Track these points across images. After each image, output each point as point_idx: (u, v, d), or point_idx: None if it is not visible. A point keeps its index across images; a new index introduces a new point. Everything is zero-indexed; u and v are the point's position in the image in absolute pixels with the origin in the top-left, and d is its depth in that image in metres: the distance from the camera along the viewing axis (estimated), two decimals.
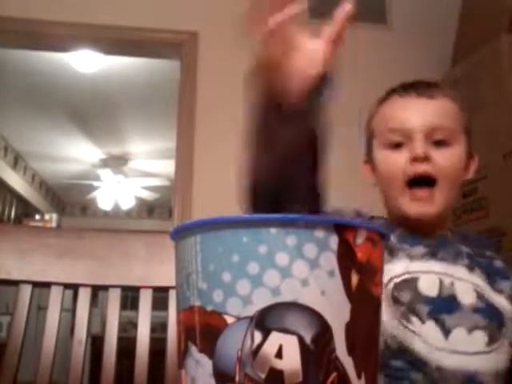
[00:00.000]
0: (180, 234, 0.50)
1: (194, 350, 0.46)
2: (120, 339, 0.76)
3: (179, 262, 0.50)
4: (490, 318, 0.75)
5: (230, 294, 0.44)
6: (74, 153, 4.89)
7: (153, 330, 0.78)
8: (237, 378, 0.43)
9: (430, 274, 0.77)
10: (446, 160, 0.79)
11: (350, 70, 2.34)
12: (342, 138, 2.29)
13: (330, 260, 0.45)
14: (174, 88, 2.30)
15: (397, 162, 0.80)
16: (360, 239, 0.47)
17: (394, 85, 0.89)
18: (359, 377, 0.45)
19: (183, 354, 0.48)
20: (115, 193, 5.46)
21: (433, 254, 0.80)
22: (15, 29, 2.17)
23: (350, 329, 0.45)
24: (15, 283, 0.75)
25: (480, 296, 0.77)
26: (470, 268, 0.80)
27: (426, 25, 2.40)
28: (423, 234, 0.83)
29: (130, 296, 3.99)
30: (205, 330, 0.46)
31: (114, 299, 0.78)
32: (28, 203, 5.26)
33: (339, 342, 0.44)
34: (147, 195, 5.62)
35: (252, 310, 0.44)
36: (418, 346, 0.72)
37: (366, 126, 0.92)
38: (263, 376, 0.43)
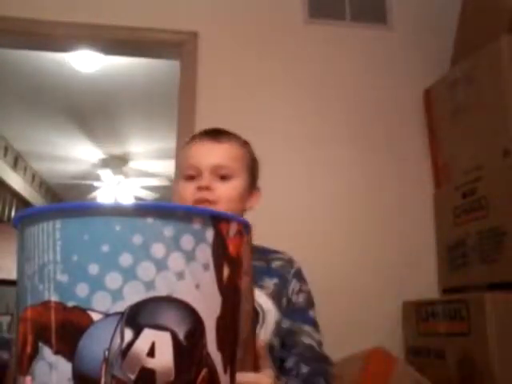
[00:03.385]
0: (30, 219, 0.44)
1: (47, 351, 0.40)
2: None
3: (26, 251, 0.44)
4: None
5: (98, 288, 0.40)
6: (74, 153, 4.89)
7: None
8: (102, 381, 0.39)
9: None
10: (225, 189, 1.04)
11: (349, 69, 2.34)
12: (339, 139, 2.26)
13: (205, 252, 0.43)
14: (174, 88, 2.30)
15: (188, 189, 1.04)
16: (232, 232, 0.46)
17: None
18: (225, 372, 0.44)
19: (30, 357, 0.41)
20: (115, 193, 5.46)
21: None
22: (15, 29, 2.17)
23: (221, 323, 0.44)
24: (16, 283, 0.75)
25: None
26: None
27: (426, 25, 2.40)
28: None
29: None
30: (63, 329, 0.40)
31: None
32: (28, 203, 5.26)
33: (210, 337, 0.43)
34: (147, 195, 5.62)
35: (123, 305, 0.40)
36: None
37: (176, 161, 1.19)
38: (133, 377, 0.39)
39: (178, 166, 1.16)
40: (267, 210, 2.06)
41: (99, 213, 0.42)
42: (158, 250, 0.41)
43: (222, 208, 1.01)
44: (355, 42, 2.35)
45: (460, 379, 1.62)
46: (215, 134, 1.10)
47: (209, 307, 0.43)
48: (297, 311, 1.05)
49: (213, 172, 1.04)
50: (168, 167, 4.19)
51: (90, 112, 4.06)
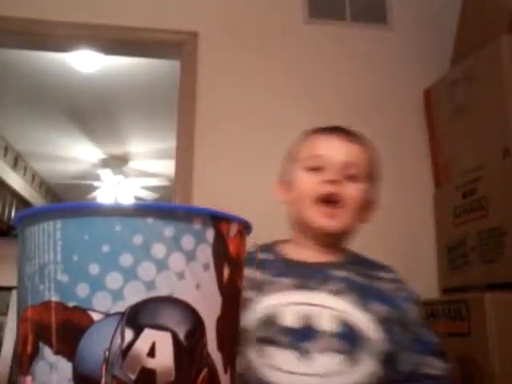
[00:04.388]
0: (31, 219, 0.43)
1: (47, 351, 0.40)
2: None
3: (27, 251, 0.44)
4: (348, 341, 0.83)
5: (98, 288, 0.40)
6: (74, 153, 4.89)
7: None
8: (103, 381, 0.39)
9: (291, 306, 0.86)
10: (352, 190, 0.94)
11: (349, 70, 2.34)
12: None
13: (206, 252, 0.43)
14: (174, 88, 2.30)
15: (313, 181, 0.94)
16: (232, 232, 0.46)
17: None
18: (226, 372, 0.44)
19: (30, 357, 0.41)
20: (115, 193, 5.46)
21: (300, 285, 0.89)
22: (15, 29, 2.17)
23: (221, 323, 0.44)
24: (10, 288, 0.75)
25: (340, 321, 0.84)
26: (338, 292, 0.88)
27: (426, 25, 2.40)
28: (308, 257, 0.94)
29: None
30: (64, 329, 0.40)
31: None
32: (28, 203, 5.26)
33: (211, 337, 0.42)
34: (147, 195, 5.62)
35: (123, 305, 0.40)
36: (275, 377, 0.80)
37: (289, 151, 1.05)
38: (133, 377, 0.39)
39: (293, 155, 1.02)
40: (267, 210, 2.05)
41: (99, 213, 0.42)
42: (158, 250, 0.41)
43: (345, 212, 0.93)
44: (355, 42, 2.35)
45: (460, 379, 1.62)
46: (346, 132, 1.00)
47: (209, 307, 0.43)
48: (416, 341, 0.90)
49: (341, 170, 0.94)
50: (168, 167, 4.19)
51: (90, 112, 4.06)
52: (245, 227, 0.49)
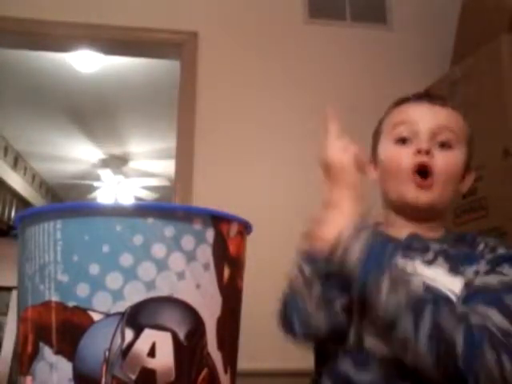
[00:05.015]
0: (31, 219, 0.43)
1: (47, 351, 0.40)
2: None
3: (27, 251, 0.44)
4: None
5: (98, 288, 0.40)
6: (74, 153, 4.89)
7: None
8: (103, 381, 0.39)
9: None
10: (445, 159, 0.87)
11: (349, 70, 2.34)
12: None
13: (206, 252, 0.43)
14: (174, 88, 2.30)
15: (402, 154, 0.88)
16: (232, 232, 0.46)
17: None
18: (226, 372, 0.44)
19: (30, 357, 0.41)
20: (115, 193, 5.46)
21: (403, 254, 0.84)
22: (15, 29, 2.17)
23: (221, 323, 0.44)
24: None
25: (427, 289, 0.80)
26: (430, 262, 0.85)
27: (426, 25, 2.40)
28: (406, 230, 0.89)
29: None
30: (64, 329, 0.40)
31: None
32: (28, 203, 5.26)
33: (211, 337, 0.42)
34: (147, 195, 5.62)
35: (123, 305, 0.40)
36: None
37: (375, 129, 0.99)
38: (134, 377, 0.39)
39: (379, 129, 0.97)
40: (267, 210, 2.05)
41: (99, 213, 0.42)
42: (158, 250, 0.41)
43: (439, 183, 0.87)
44: (355, 42, 2.35)
45: None
46: (434, 97, 0.94)
47: (209, 307, 0.43)
48: (480, 291, 0.77)
49: (432, 137, 0.87)
50: (168, 167, 4.19)
51: (90, 112, 4.06)
52: (245, 227, 0.49)
